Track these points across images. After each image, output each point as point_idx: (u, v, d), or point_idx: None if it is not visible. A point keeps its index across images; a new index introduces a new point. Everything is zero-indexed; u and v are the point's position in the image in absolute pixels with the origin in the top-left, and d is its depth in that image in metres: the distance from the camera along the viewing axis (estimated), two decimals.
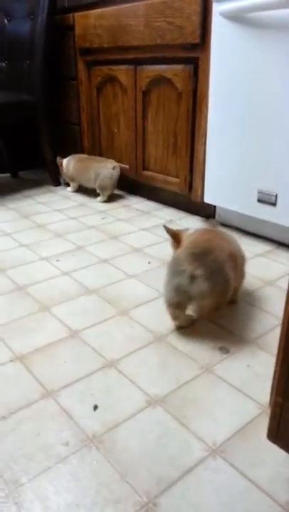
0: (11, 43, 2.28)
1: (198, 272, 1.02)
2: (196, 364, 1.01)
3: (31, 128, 2.38)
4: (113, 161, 2.13)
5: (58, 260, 1.53)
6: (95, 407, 0.89)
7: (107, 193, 2.15)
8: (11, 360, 1.02)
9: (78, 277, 1.41)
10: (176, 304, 1.06)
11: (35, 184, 2.46)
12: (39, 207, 2.10)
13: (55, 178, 2.41)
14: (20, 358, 1.03)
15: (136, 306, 1.24)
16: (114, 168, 2.10)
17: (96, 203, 2.15)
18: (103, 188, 2.13)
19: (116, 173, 2.11)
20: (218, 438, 0.81)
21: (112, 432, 0.83)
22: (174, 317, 1.11)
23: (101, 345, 1.07)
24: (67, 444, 0.81)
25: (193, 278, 1.02)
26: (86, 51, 2.17)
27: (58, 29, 2.23)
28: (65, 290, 1.33)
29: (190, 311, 1.03)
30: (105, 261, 1.53)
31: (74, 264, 1.50)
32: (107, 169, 2.09)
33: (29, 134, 2.55)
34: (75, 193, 2.32)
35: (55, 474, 0.75)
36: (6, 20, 2.29)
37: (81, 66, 2.23)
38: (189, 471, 0.75)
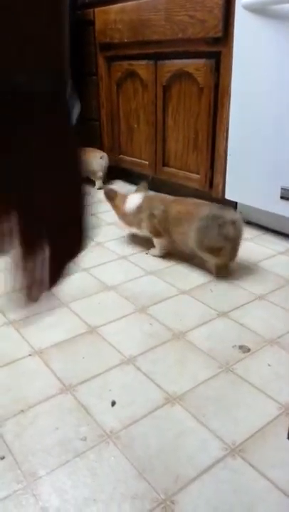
0: None
1: (236, 216, 1.31)
2: (215, 362, 1.00)
3: None
4: (101, 152, 2.31)
5: None
6: (113, 403, 0.89)
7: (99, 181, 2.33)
8: (30, 355, 1.03)
9: (97, 274, 1.41)
10: (216, 249, 1.29)
11: None
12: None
13: None
14: (39, 353, 1.03)
15: (155, 303, 1.24)
16: (101, 158, 2.26)
17: None
18: (95, 177, 2.31)
19: (104, 162, 2.27)
20: (238, 437, 0.80)
21: (130, 429, 0.83)
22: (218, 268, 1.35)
23: (119, 341, 1.07)
24: (85, 439, 0.81)
25: (233, 223, 1.28)
26: (106, 46, 2.17)
27: (79, 25, 2.23)
28: (84, 286, 1.34)
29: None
30: (124, 257, 1.52)
31: (93, 260, 1.51)
32: (96, 159, 2.25)
33: None
34: (93, 191, 2.32)
35: (72, 468, 0.75)
36: None
37: (101, 62, 2.23)
38: (207, 469, 0.74)
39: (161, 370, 0.97)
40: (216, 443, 0.79)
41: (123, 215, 1.53)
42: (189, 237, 1.33)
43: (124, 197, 1.54)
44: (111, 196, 1.57)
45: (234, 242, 1.30)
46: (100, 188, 2.30)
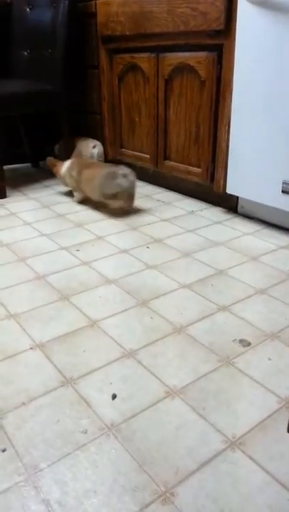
0: (33, 32, 2.28)
1: (128, 171, 1.76)
2: (215, 356, 1.00)
3: (52, 117, 2.39)
4: (94, 141, 2.37)
5: (77, 250, 1.54)
6: (114, 396, 0.89)
7: None
8: (31, 348, 1.03)
9: (98, 267, 1.41)
10: (113, 195, 1.78)
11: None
12: (59, 197, 2.11)
13: None
14: (40, 346, 1.04)
15: (156, 297, 1.24)
16: (94, 147, 2.33)
17: None
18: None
19: (96, 150, 2.35)
20: (238, 431, 0.81)
21: (131, 422, 0.83)
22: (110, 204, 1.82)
23: (120, 335, 1.07)
24: (85, 431, 0.81)
25: (125, 176, 1.75)
26: (108, 39, 2.15)
27: (80, 17, 2.22)
28: (85, 280, 1.34)
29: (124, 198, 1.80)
30: (125, 251, 1.52)
31: (94, 254, 1.51)
32: (88, 148, 2.33)
33: (50, 123, 2.55)
34: None
35: (73, 461, 0.76)
36: (28, 9, 2.29)
37: (103, 54, 2.22)
38: (207, 462, 0.75)
39: (162, 364, 0.98)
40: (216, 436, 0.80)
41: (59, 177, 2.06)
42: (95, 190, 1.82)
43: (61, 164, 2.04)
44: (52, 163, 2.10)
45: (127, 190, 1.78)
46: None
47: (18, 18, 2.33)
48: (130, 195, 1.82)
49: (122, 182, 1.75)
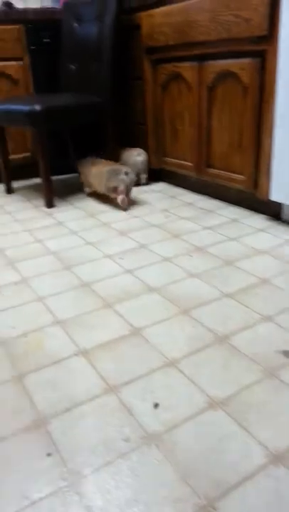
0: (80, 46, 2.35)
1: (128, 170, 2.02)
2: (258, 367, 0.98)
3: (97, 128, 2.44)
4: (138, 149, 2.40)
5: (121, 258, 1.56)
6: (156, 405, 0.90)
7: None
8: (76, 354, 1.06)
9: (141, 275, 1.43)
10: (114, 189, 2.04)
11: None
12: (104, 206, 2.15)
13: None
14: (84, 353, 1.06)
15: (198, 306, 1.24)
16: (138, 155, 2.35)
17: (160, 202, 2.16)
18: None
19: (140, 159, 2.37)
20: (281, 445, 0.79)
21: (172, 432, 0.83)
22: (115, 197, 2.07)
23: (162, 343, 1.08)
24: (128, 440, 0.82)
25: (127, 174, 2.00)
26: (152, 50, 2.18)
27: (125, 30, 2.26)
28: (128, 288, 1.36)
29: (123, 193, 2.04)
30: (168, 259, 1.53)
31: (137, 262, 1.53)
32: (132, 156, 2.37)
33: (95, 134, 2.62)
34: (139, 193, 2.34)
35: (115, 469, 0.77)
36: (76, 24, 2.36)
37: (147, 65, 2.25)
38: (250, 477, 0.74)
39: (204, 374, 0.97)
40: (258, 449, 0.78)
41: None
42: (101, 183, 2.08)
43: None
44: (80, 164, 2.31)
45: (127, 185, 2.03)
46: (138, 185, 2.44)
47: (66, 34, 2.41)
48: (128, 189, 2.08)
49: (124, 178, 2.01)
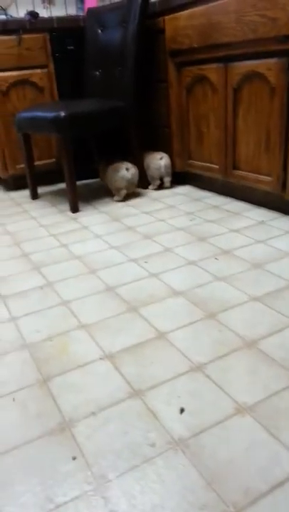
0: (104, 52, 2.37)
1: (130, 165, 2.22)
2: (288, 373, 0.95)
3: (122, 132, 2.45)
4: (161, 153, 2.39)
5: (146, 262, 1.55)
6: (182, 410, 0.88)
7: (156, 182, 2.45)
8: (101, 358, 1.05)
9: (166, 279, 1.41)
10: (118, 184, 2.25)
11: None
12: (128, 209, 2.15)
13: (144, 181, 2.45)
14: (110, 357, 1.06)
15: (224, 310, 1.21)
16: (161, 159, 2.34)
17: (185, 205, 2.15)
18: (152, 178, 2.44)
19: (163, 162, 2.36)
20: None
21: (199, 437, 0.81)
22: (121, 195, 2.28)
23: (188, 347, 1.06)
24: (153, 445, 0.81)
25: (128, 169, 2.21)
26: (176, 53, 2.18)
27: (149, 34, 2.27)
28: (153, 291, 1.34)
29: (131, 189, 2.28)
30: (193, 263, 1.51)
31: (162, 265, 1.51)
32: (155, 160, 2.36)
33: (120, 139, 2.63)
34: (163, 196, 2.33)
35: (141, 474, 0.76)
36: (100, 31, 2.39)
37: (171, 68, 2.25)
38: (280, 485, 0.71)
39: (232, 379, 0.95)
40: (288, 457, 0.76)
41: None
42: (109, 180, 2.29)
43: None
44: (100, 167, 2.46)
45: (128, 181, 2.23)
46: (156, 188, 2.45)
47: (90, 40, 2.44)
48: (132, 184, 2.27)
49: (125, 173, 2.21)
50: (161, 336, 1.12)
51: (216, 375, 0.97)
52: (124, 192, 2.27)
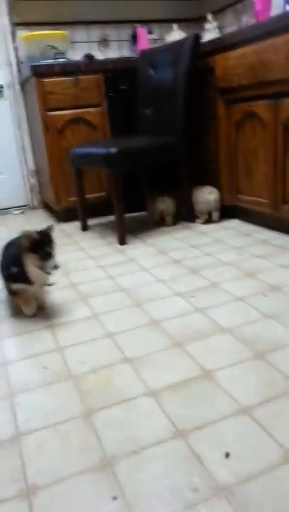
0: (155, 91, 2.45)
1: (165, 198, 2.45)
2: None
3: (171, 167, 2.50)
4: (210, 187, 2.41)
5: (192, 296, 1.54)
6: (227, 455, 0.84)
7: (203, 216, 2.47)
8: (144, 395, 1.04)
9: (212, 315, 1.39)
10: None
11: (173, 221, 2.54)
12: (176, 243, 2.16)
13: (192, 215, 2.46)
14: (153, 394, 1.04)
15: (274, 350, 1.17)
16: (210, 193, 2.37)
17: (233, 239, 2.13)
18: (200, 212, 2.45)
19: (212, 197, 2.39)
20: None
21: (245, 485, 0.78)
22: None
23: (235, 388, 1.03)
24: (196, 490, 0.78)
25: (163, 201, 2.45)
26: (225, 90, 2.22)
27: (199, 73, 2.33)
28: (199, 327, 1.32)
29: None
30: (241, 299, 1.48)
31: (208, 301, 1.49)
32: (204, 195, 2.39)
33: (169, 173, 2.67)
34: (211, 230, 2.33)
35: None
36: (151, 71, 2.48)
37: (220, 105, 2.28)
38: None
39: (281, 425, 0.90)
40: None
41: None
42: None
43: None
44: (146, 195, 2.70)
45: (162, 210, 2.46)
46: (204, 222, 2.43)
47: (142, 80, 2.54)
48: (168, 214, 2.47)
49: (160, 205, 2.44)
50: (206, 374, 1.10)
51: (264, 419, 0.92)
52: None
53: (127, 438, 0.91)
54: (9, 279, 1.47)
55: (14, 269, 1.41)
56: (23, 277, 1.41)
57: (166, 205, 2.44)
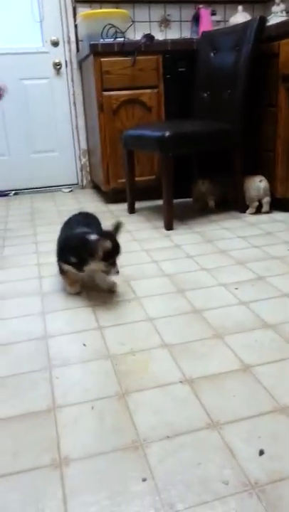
0: (214, 75, 2.39)
1: (205, 180, 2.44)
2: None
3: (224, 153, 2.44)
4: (260, 176, 2.35)
5: (236, 288, 1.51)
6: (261, 452, 0.83)
7: (254, 205, 2.40)
8: (181, 382, 1.04)
9: (256, 309, 1.36)
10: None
11: (221, 209, 2.50)
12: (223, 232, 2.12)
13: (242, 205, 2.40)
14: (190, 382, 1.04)
15: None
16: (260, 181, 2.31)
17: (284, 233, 2.06)
18: (250, 200, 2.39)
19: (262, 185, 2.32)
20: None
21: (277, 485, 0.76)
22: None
23: (274, 386, 1.00)
24: (227, 482, 0.77)
25: (203, 183, 2.47)
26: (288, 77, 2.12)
27: (262, 58, 2.24)
28: (241, 320, 1.30)
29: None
30: (288, 295, 1.44)
31: (253, 294, 1.46)
32: (254, 183, 2.33)
33: (222, 159, 2.61)
34: (261, 222, 2.27)
35: (211, 511, 0.72)
36: (212, 54, 2.42)
37: (282, 92, 2.19)
38: None
39: None
40: None
41: None
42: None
43: None
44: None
45: (203, 192, 2.46)
46: (254, 213, 2.38)
47: (202, 63, 2.48)
48: (205, 197, 2.47)
49: (200, 187, 2.45)
50: (246, 368, 1.07)
51: None
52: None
53: (160, 422, 0.92)
54: (63, 260, 1.49)
55: (73, 259, 1.43)
56: (78, 267, 1.43)
57: (205, 187, 2.43)
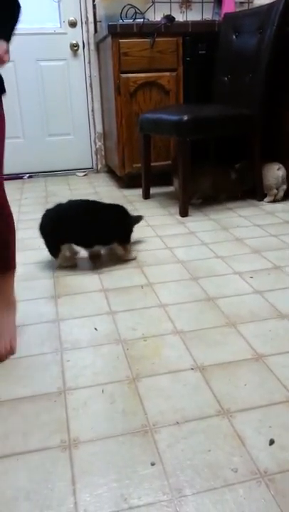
0: (236, 58, 2.33)
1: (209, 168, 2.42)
2: None
3: (243, 139, 2.39)
4: (278, 163, 2.32)
5: (251, 277, 1.49)
6: (271, 442, 0.82)
7: (272, 192, 2.35)
8: (192, 369, 1.03)
9: (271, 298, 1.34)
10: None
11: (239, 197, 2.46)
12: (240, 220, 2.09)
13: (260, 193, 2.36)
14: (201, 369, 1.03)
15: None
16: (279, 169, 2.28)
17: None
18: (269, 188, 2.34)
19: (281, 172, 2.29)
20: None
21: (287, 475, 0.75)
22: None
23: (287, 376, 0.99)
24: (236, 470, 0.77)
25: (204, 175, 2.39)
26: None
27: (286, 41, 2.18)
28: (255, 309, 1.28)
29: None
30: None
31: (268, 283, 1.44)
32: (273, 170, 2.29)
33: (240, 144, 2.57)
34: (279, 210, 2.23)
35: (219, 497, 0.72)
36: (234, 36, 2.35)
37: None
38: None
39: None
40: None
41: None
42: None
43: None
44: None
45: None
46: (272, 201, 2.36)
47: (223, 46, 2.42)
48: (215, 183, 2.38)
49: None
50: (258, 358, 1.06)
51: None
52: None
53: (170, 408, 0.91)
54: (61, 240, 1.59)
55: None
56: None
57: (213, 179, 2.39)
